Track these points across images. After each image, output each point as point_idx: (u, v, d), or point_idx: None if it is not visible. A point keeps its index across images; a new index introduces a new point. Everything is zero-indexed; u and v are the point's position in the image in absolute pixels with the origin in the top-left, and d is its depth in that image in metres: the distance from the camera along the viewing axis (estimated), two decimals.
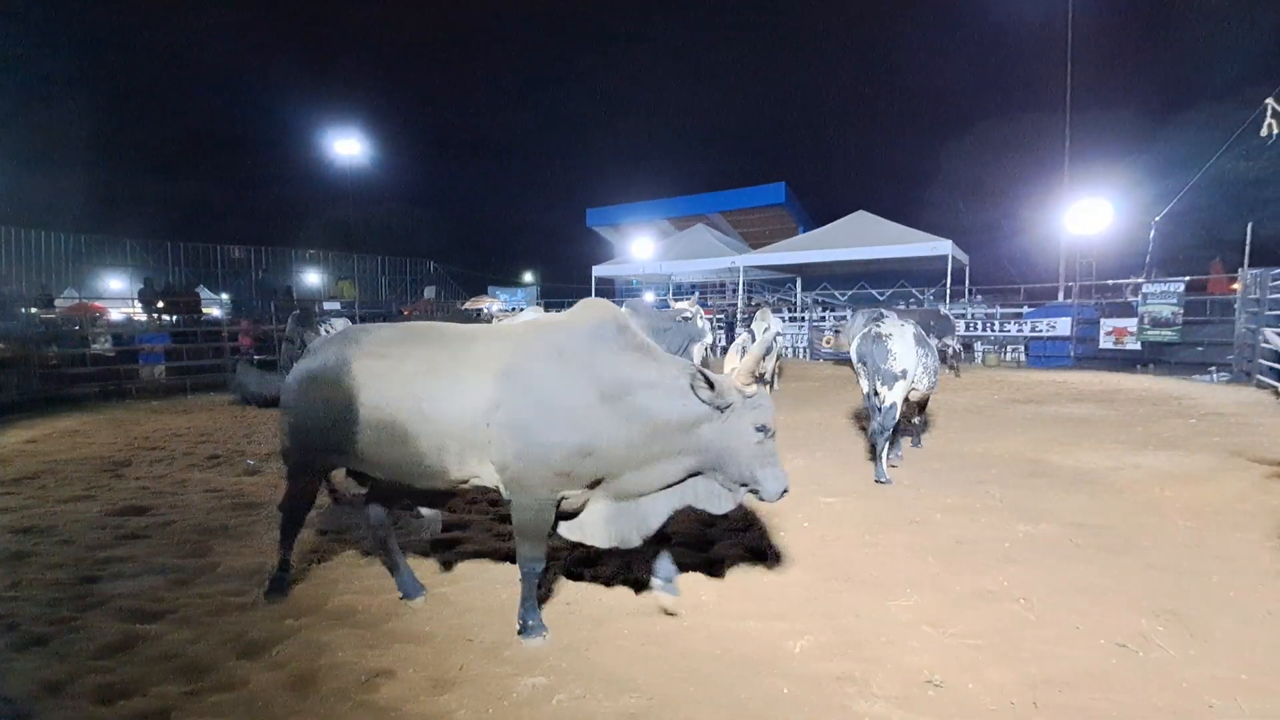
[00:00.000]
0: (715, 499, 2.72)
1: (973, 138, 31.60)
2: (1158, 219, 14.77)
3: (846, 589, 3.19)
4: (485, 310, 20.46)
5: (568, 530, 2.80)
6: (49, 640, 2.72)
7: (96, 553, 3.71)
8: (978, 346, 14.65)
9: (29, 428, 7.88)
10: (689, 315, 8.47)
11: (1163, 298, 11.88)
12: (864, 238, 16.94)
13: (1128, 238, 16.85)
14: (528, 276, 37.95)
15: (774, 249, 19.17)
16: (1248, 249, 11.69)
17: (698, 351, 8.13)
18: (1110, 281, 15.13)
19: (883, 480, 5.00)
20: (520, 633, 2.71)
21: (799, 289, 22.61)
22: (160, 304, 14.26)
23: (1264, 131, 11.69)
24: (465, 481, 2.75)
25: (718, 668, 2.51)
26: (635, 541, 2.73)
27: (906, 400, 5.31)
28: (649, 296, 23.18)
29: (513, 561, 3.47)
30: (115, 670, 2.50)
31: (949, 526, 4.07)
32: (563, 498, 2.68)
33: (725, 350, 17.05)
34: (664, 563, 3.05)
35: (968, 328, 14.65)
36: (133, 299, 15.89)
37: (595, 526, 2.75)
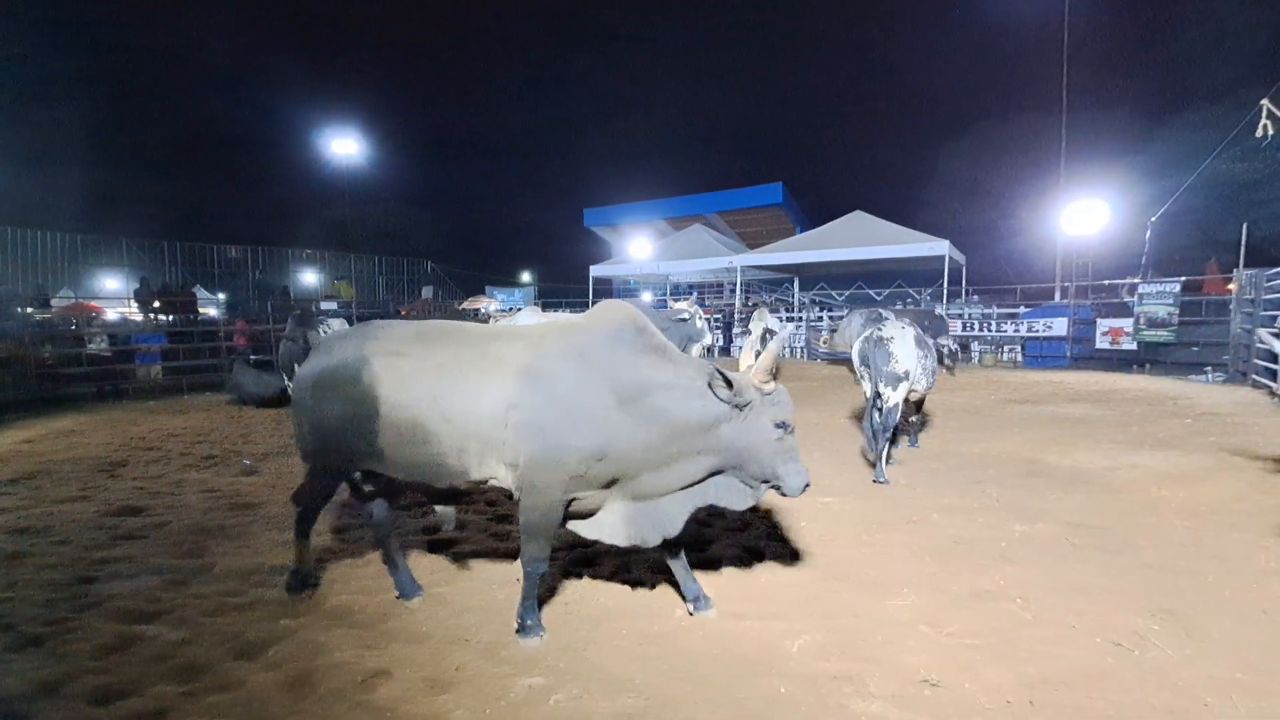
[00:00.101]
0: (736, 496, 2.73)
1: (970, 138, 31.70)
2: (1153, 220, 14.83)
3: (844, 589, 3.19)
4: (483, 310, 20.44)
5: (586, 529, 2.79)
6: (45, 641, 2.71)
7: (93, 553, 3.69)
8: (974, 347, 14.69)
9: (25, 428, 7.85)
10: (686, 316, 8.48)
11: (1158, 298, 11.92)
12: (861, 238, 16.97)
13: (1124, 238, 16.94)
14: (525, 276, 37.94)
15: (771, 249, 19.18)
16: (1243, 249, 11.73)
17: (696, 352, 8.14)
18: (1106, 282, 15.21)
19: (881, 480, 5.02)
20: (518, 631, 2.71)
21: (796, 289, 22.65)
22: (156, 304, 14.24)
23: (1259, 133, 11.74)
24: (484, 482, 2.73)
25: (715, 667, 2.52)
26: (654, 541, 2.73)
27: (905, 400, 5.38)
28: (646, 297, 23.22)
29: (510, 561, 3.48)
30: (112, 671, 2.50)
31: (946, 526, 4.08)
32: (573, 499, 2.68)
33: (724, 351, 17.11)
34: (689, 584, 2.94)
35: (964, 328, 14.69)
36: (129, 299, 15.84)
37: (614, 526, 2.75)
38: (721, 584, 3.24)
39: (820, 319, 17.65)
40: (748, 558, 3.54)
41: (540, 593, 2.83)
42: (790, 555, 3.58)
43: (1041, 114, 19.95)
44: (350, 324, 6.13)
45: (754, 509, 3.96)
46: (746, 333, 13.09)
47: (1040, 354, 13.60)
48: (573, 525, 2.82)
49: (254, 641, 2.71)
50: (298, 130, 32.90)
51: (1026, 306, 15.18)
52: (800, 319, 17.99)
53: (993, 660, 2.53)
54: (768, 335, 10.92)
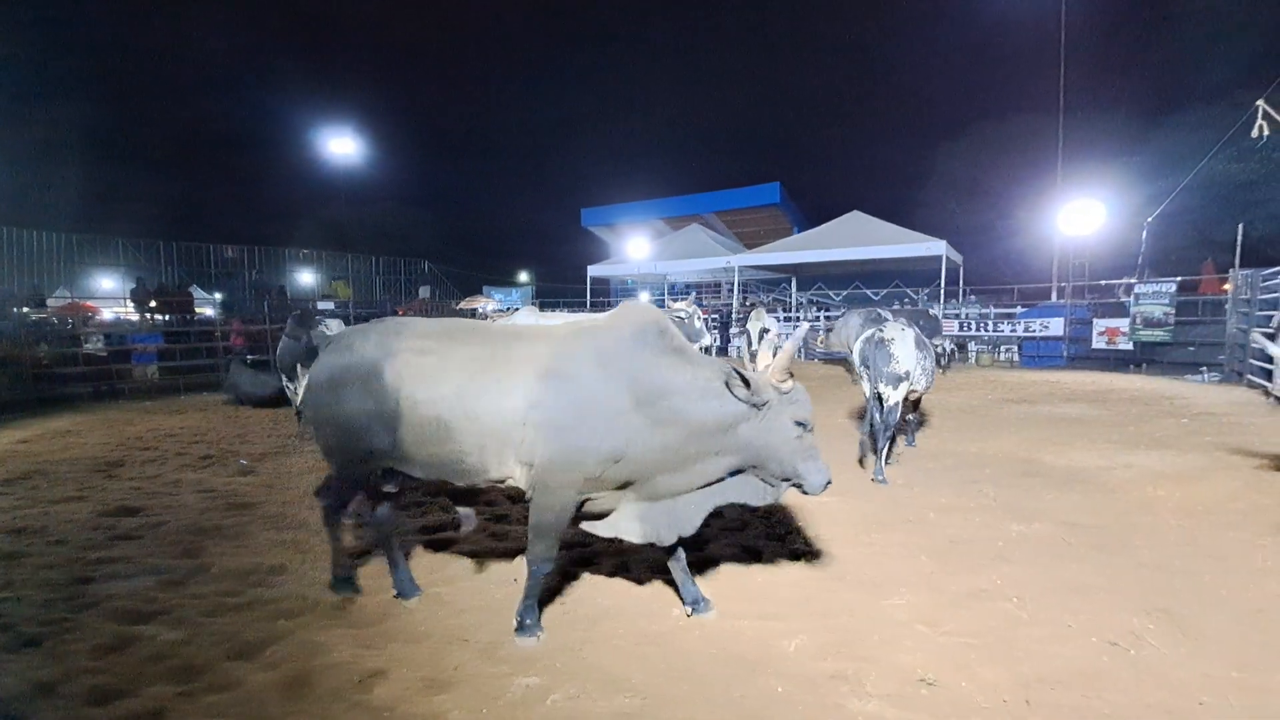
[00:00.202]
0: (756, 494, 2.74)
1: (967, 139, 31.67)
2: (1150, 220, 14.88)
3: (841, 588, 3.20)
4: (480, 310, 20.40)
5: (602, 528, 2.79)
6: (42, 641, 2.70)
7: (89, 553, 3.68)
8: (971, 346, 14.72)
9: (21, 428, 7.83)
10: (684, 316, 8.48)
11: (1155, 298, 11.96)
12: (858, 238, 16.98)
13: (1120, 238, 16.98)
14: (523, 276, 37.86)
15: (769, 249, 19.19)
16: (1239, 250, 11.79)
17: None
18: (1103, 282, 15.24)
19: (879, 480, 5.03)
20: (517, 630, 2.71)
21: (794, 289, 22.68)
22: (153, 303, 14.18)
23: (1255, 133, 11.82)
24: (503, 481, 2.73)
25: (712, 667, 2.52)
26: (670, 540, 2.74)
27: (904, 399, 5.41)
28: (644, 297, 23.20)
29: (508, 561, 3.48)
30: (109, 671, 2.49)
31: (943, 526, 4.09)
32: (586, 500, 2.69)
33: (721, 350, 17.09)
34: (688, 587, 2.95)
35: (961, 328, 14.72)
36: (125, 298, 15.79)
37: (629, 523, 2.75)
38: (719, 583, 3.25)
39: (818, 319, 17.67)
40: (745, 557, 3.54)
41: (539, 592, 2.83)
42: (788, 555, 3.58)
43: (1038, 114, 20.05)
44: (347, 324, 6.10)
45: (749, 509, 3.98)
46: (743, 332, 13.09)
47: (1037, 354, 13.65)
48: (586, 525, 2.82)
49: (251, 642, 2.70)
50: (295, 130, 32.80)
51: (1023, 306, 15.23)
52: (798, 319, 18.00)
53: (989, 659, 2.54)
54: (763, 335, 10.93)
